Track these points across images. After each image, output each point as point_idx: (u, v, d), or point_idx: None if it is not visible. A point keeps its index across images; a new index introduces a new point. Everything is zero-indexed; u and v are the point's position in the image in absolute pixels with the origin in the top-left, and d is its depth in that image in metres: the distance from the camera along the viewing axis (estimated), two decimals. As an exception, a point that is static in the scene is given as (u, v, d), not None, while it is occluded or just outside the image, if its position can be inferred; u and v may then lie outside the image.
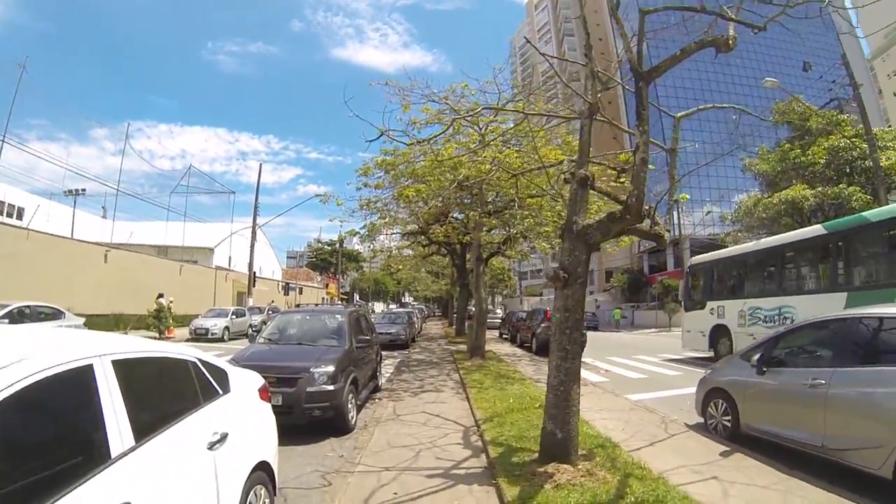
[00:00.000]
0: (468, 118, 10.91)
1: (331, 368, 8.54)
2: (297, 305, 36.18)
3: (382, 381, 13.50)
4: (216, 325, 27.79)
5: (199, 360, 4.23)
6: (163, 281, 34.18)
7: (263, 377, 8.38)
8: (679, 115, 7.59)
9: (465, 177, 14.48)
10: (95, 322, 26.48)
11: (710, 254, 20.76)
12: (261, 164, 44.09)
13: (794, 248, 15.73)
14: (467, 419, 9.42)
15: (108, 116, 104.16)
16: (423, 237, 31.20)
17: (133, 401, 2.99)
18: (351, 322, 10.57)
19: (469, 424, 9.00)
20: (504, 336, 34.00)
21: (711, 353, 17.96)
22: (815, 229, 15.01)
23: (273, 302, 47.00)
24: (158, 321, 27.08)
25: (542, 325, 23.01)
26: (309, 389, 8.21)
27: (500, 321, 41.59)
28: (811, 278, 15.12)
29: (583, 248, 6.16)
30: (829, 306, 11.62)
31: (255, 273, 40.87)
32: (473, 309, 36.90)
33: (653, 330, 47.26)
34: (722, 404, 8.39)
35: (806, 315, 11.16)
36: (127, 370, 3.07)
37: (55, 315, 18.08)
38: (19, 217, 51.91)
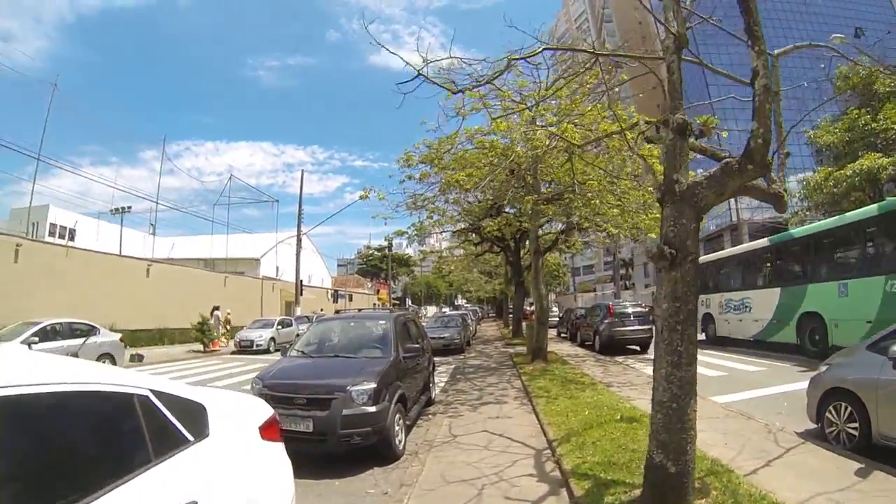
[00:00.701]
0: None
1: (372, 385, 7.11)
2: (337, 311, 35.22)
3: (436, 392, 12.07)
4: (261, 336, 26.80)
5: (156, 391, 2.76)
6: (207, 293, 33.78)
7: (291, 398, 7.09)
8: (777, 52, 5.96)
9: (516, 159, 13.01)
10: (139, 337, 26.78)
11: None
12: (302, 172, 42.77)
13: (748, 255, 20.74)
14: (538, 439, 7.83)
15: (156, 138, 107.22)
16: (473, 234, 29.78)
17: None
18: (397, 328, 9.14)
19: (541, 446, 7.40)
20: (563, 335, 32.20)
21: (703, 336, 21.31)
22: (761, 242, 20.04)
23: (322, 310, 46.08)
24: (202, 333, 26.50)
25: (605, 321, 21.31)
26: (346, 412, 6.81)
27: (557, 319, 39.76)
28: (759, 277, 19.51)
29: (691, 215, 4.54)
30: (771, 299, 17.41)
31: (301, 281, 39.99)
32: (530, 308, 35.49)
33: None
34: (845, 408, 6.87)
35: (759, 305, 18.21)
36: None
37: (90, 331, 17.29)
38: (71, 238, 53.18)
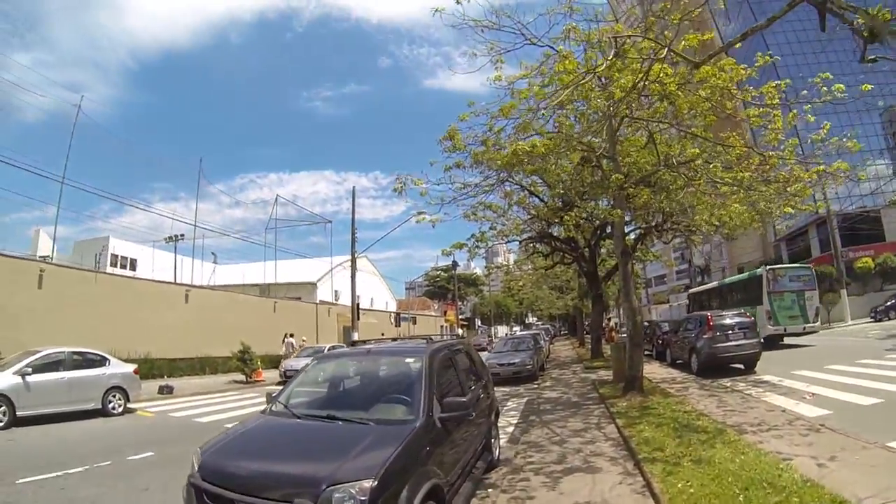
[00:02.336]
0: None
1: (369, 483, 3.91)
2: (353, 344, 30.92)
3: (500, 446, 8.82)
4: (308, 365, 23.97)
5: None
6: (253, 320, 32.47)
7: (232, 500, 4.07)
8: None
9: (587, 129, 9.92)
10: (178, 367, 25.61)
11: (698, 288, 39.32)
12: (354, 188, 40.31)
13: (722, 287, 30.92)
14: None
15: (222, 173, 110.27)
16: (542, 244, 26.57)
17: None
18: (433, 371, 5.91)
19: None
20: (647, 352, 28.17)
21: None
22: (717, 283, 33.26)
23: (383, 334, 43.52)
24: (244, 363, 24.80)
25: (704, 336, 17.62)
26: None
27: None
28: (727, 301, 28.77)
29: None
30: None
31: (358, 305, 37.50)
32: (614, 323, 31.99)
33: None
34: None
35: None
36: None
37: (99, 362, 15.59)
38: (132, 267, 54.21)
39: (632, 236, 22.69)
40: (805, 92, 10.68)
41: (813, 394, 11.88)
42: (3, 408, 12.62)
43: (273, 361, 28.98)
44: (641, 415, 10.22)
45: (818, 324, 26.09)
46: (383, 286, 69.20)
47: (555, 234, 25.41)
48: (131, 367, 16.56)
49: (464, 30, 8.75)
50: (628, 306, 12.98)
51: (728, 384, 14.57)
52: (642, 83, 8.71)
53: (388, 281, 72.53)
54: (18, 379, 13.13)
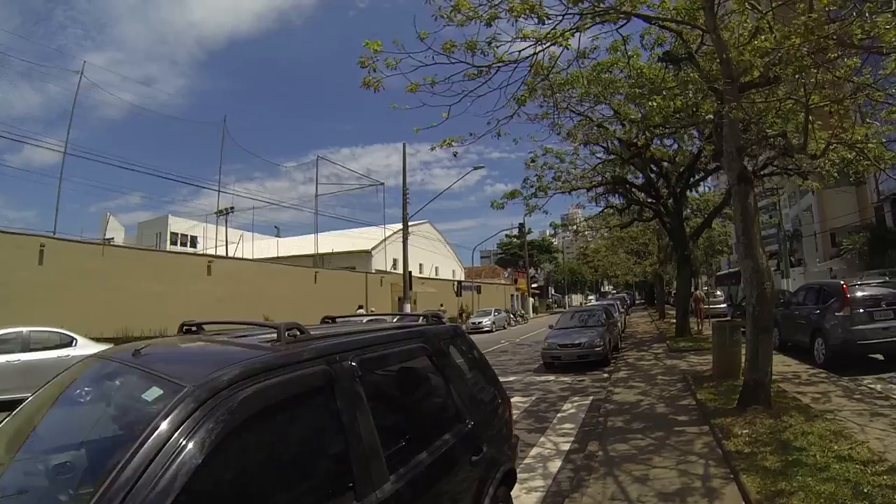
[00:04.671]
0: None
1: None
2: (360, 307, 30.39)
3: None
4: None
5: None
6: (291, 291, 29.33)
7: None
8: None
9: None
10: None
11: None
12: (404, 145, 36.54)
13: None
14: None
15: (295, 151, 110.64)
16: (616, 194, 21.96)
17: None
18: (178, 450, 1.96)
19: None
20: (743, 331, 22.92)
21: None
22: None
23: (441, 305, 39.81)
24: None
25: (838, 315, 12.68)
26: None
27: (725, 308, 31.32)
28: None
29: None
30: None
31: (410, 273, 33.85)
32: (702, 292, 26.73)
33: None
34: None
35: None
36: None
37: (64, 344, 13.91)
38: (192, 244, 55.07)
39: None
40: None
41: None
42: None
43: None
44: (782, 463, 5.70)
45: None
46: (450, 254, 65.25)
47: (631, 180, 20.76)
48: (101, 347, 13.53)
49: None
50: (750, 265, 8.03)
51: (877, 387, 9.88)
52: None
53: (458, 249, 68.55)
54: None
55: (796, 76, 7.03)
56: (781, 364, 13.67)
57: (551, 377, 14.98)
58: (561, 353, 16.30)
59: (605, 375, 14.46)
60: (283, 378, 2.47)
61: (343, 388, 2.76)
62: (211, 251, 45.63)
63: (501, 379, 14.77)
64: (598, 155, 20.37)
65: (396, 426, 3.32)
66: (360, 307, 32.24)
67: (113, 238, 55.54)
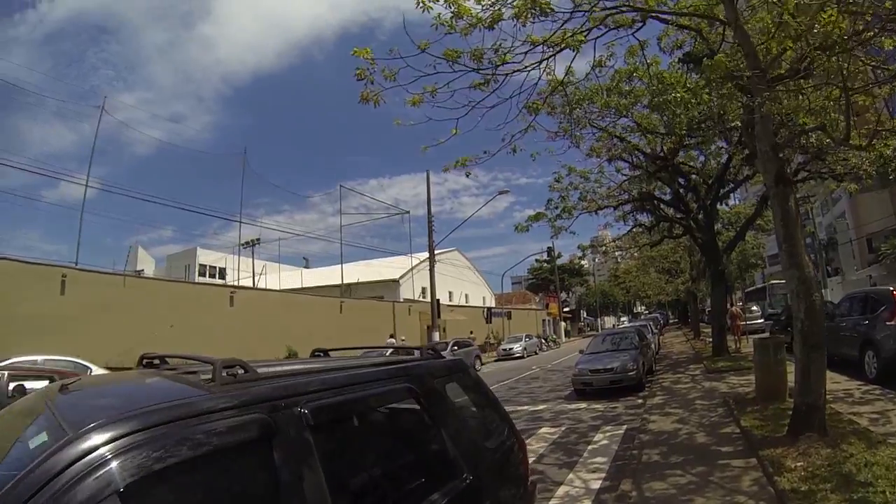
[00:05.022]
0: None
1: None
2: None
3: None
4: None
5: None
6: (315, 322, 28.69)
7: None
8: None
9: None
10: None
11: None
12: (428, 172, 35.97)
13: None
14: None
15: (322, 184, 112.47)
16: (644, 211, 21.18)
17: None
18: None
19: None
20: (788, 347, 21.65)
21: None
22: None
23: (472, 333, 38.97)
24: None
25: (890, 323, 11.79)
26: None
27: (760, 322, 29.35)
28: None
29: None
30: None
31: (439, 301, 33.28)
32: (737, 308, 25.46)
33: None
34: None
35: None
36: None
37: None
38: (221, 276, 55.16)
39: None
40: None
41: None
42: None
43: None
44: (847, 503, 4.97)
45: None
46: (479, 280, 64.40)
47: (658, 195, 20.00)
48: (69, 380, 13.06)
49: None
50: (796, 276, 7.13)
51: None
52: None
53: (489, 276, 67.62)
54: None
55: (835, 59, 6.25)
56: (830, 381, 12.70)
57: (583, 405, 14.16)
58: (592, 380, 15.45)
59: (640, 401, 13.61)
60: (196, 430, 1.91)
61: (286, 442, 2.14)
62: (240, 282, 46.26)
63: (531, 408, 14.00)
64: (624, 172, 19.70)
65: (363, 487, 2.68)
66: (392, 336, 32.10)
67: (143, 270, 56.87)
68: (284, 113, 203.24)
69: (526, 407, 14.89)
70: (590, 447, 9.35)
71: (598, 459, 8.41)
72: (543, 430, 11.34)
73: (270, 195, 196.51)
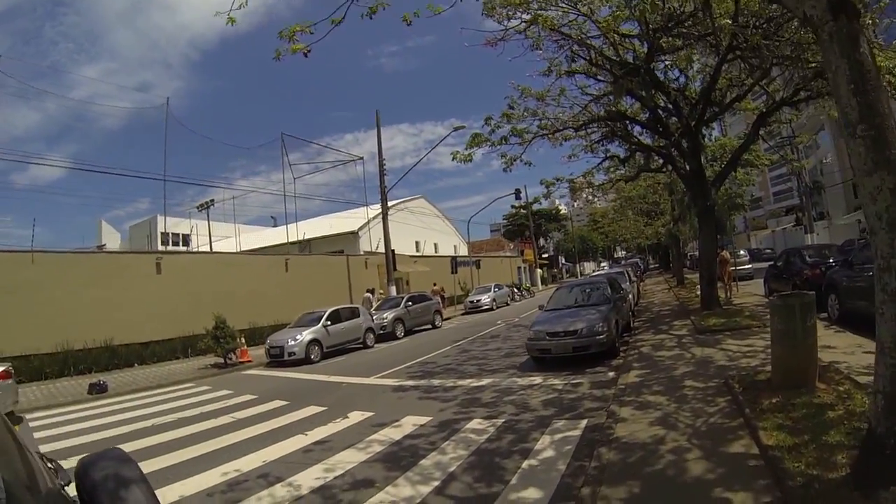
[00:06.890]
0: None
1: None
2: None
3: None
4: (296, 339, 18.52)
5: None
6: (257, 282, 26.26)
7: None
8: None
9: None
10: (155, 350, 21.51)
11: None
12: (377, 112, 32.38)
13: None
14: None
15: (296, 141, 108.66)
16: (616, 137, 17.71)
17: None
18: None
19: None
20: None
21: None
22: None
23: (435, 284, 35.85)
24: (217, 342, 18.82)
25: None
26: None
27: (748, 269, 29.85)
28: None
29: None
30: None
31: (394, 251, 30.33)
32: (728, 253, 21.93)
33: None
34: None
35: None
36: None
37: None
38: (185, 243, 55.02)
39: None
40: None
41: None
42: None
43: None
44: None
45: None
46: (450, 229, 60.79)
47: (632, 117, 16.60)
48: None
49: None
50: (888, 185, 3.54)
51: None
52: None
53: (464, 225, 63.71)
54: None
55: None
56: (851, 344, 9.69)
57: (537, 379, 11.03)
58: (551, 345, 12.24)
59: (611, 374, 10.55)
60: None
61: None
62: (205, 248, 45.12)
63: (474, 382, 12.03)
64: (590, 91, 16.24)
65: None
66: (369, 291, 30.14)
67: (105, 244, 54.18)
68: (254, 73, 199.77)
69: (467, 381, 11.80)
70: (525, 464, 6.19)
71: (529, 498, 5.25)
72: (473, 423, 8.22)
73: (246, 157, 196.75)
